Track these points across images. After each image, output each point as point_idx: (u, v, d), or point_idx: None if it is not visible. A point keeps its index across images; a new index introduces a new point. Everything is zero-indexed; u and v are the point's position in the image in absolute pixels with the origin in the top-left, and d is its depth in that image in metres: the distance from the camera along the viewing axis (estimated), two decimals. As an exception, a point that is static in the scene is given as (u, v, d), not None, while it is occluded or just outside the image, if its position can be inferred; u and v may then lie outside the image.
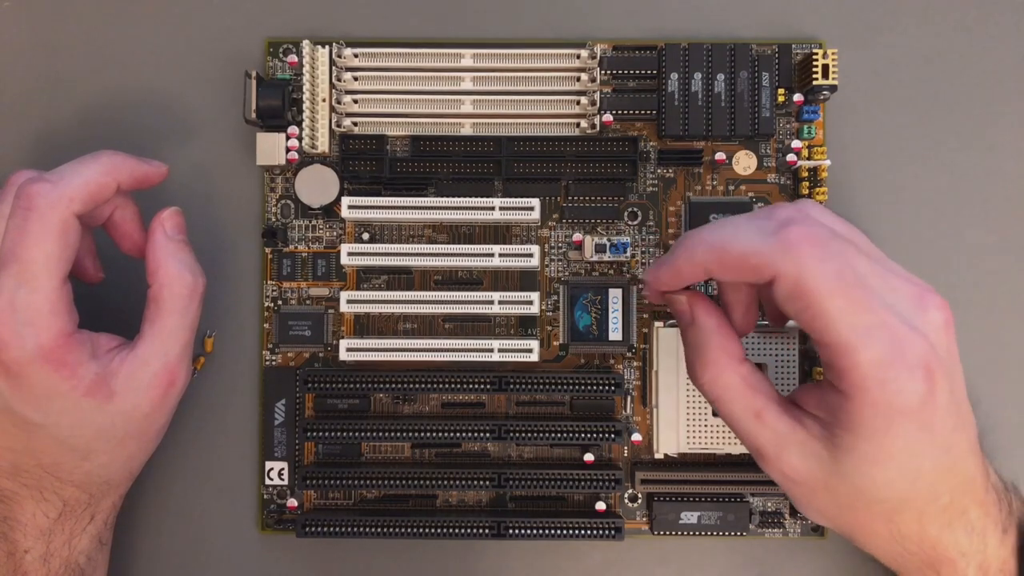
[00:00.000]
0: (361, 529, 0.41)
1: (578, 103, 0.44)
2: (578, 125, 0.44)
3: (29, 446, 0.37)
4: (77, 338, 0.37)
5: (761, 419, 0.35)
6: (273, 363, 0.44)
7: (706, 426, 0.43)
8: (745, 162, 0.44)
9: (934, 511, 0.34)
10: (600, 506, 0.43)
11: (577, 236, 0.44)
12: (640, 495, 0.44)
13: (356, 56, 0.44)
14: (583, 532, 0.42)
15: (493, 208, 0.42)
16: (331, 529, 0.41)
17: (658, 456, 0.44)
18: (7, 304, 0.35)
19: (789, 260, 0.32)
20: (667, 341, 0.43)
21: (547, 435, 0.42)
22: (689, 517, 0.43)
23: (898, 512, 0.34)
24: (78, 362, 0.37)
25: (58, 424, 0.37)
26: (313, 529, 0.41)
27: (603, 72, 0.44)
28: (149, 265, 0.39)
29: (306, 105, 0.43)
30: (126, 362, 0.38)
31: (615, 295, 0.43)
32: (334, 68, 0.44)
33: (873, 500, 0.34)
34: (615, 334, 0.43)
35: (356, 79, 0.44)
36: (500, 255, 0.42)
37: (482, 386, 0.42)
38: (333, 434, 0.42)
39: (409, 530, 0.41)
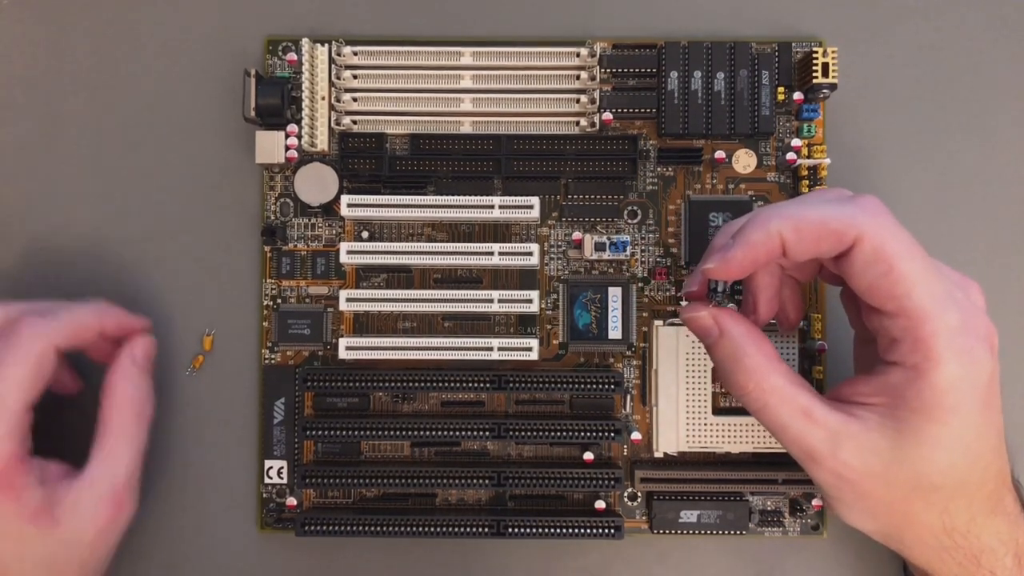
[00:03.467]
0: (360, 528, 0.41)
1: (578, 101, 0.44)
2: (578, 123, 0.44)
3: None
4: (27, 464, 0.37)
5: (811, 417, 0.34)
6: (272, 362, 0.44)
7: (706, 425, 0.43)
8: (745, 160, 0.44)
9: (982, 498, 0.34)
10: (600, 505, 0.43)
11: (577, 235, 0.44)
12: (640, 494, 0.44)
13: (355, 54, 0.44)
14: (583, 531, 0.41)
15: (493, 206, 0.42)
16: (330, 528, 0.41)
17: (658, 455, 0.44)
18: None
19: (872, 222, 0.32)
20: (667, 340, 0.43)
21: (547, 434, 0.42)
22: (689, 516, 0.43)
23: (952, 500, 0.34)
24: (24, 486, 0.37)
25: (0, 553, 0.37)
26: (312, 528, 0.41)
27: (603, 70, 0.44)
28: (105, 385, 0.40)
29: (305, 103, 0.43)
30: (72, 487, 0.38)
31: (615, 293, 0.43)
32: (333, 66, 0.44)
33: (932, 488, 0.33)
34: (615, 333, 0.43)
35: (355, 77, 0.44)
36: (500, 253, 0.42)
37: (481, 385, 0.42)
38: (332, 433, 0.42)
39: (408, 529, 0.41)
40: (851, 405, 0.35)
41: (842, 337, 0.44)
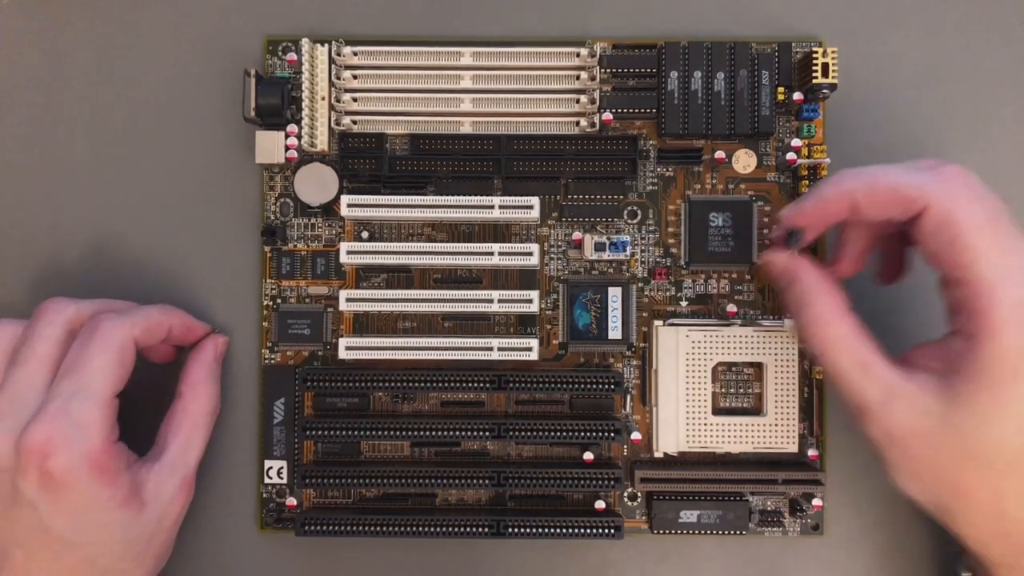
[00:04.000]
0: (360, 528, 0.41)
1: (577, 101, 0.44)
2: (578, 123, 0.44)
3: (53, 573, 0.37)
4: (118, 447, 0.38)
5: (868, 370, 0.35)
6: (272, 362, 0.44)
7: (706, 425, 0.43)
8: (745, 161, 0.44)
9: None
10: (600, 505, 0.43)
11: (576, 235, 0.44)
12: (639, 494, 0.44)
13: (355, 54, 0.44)
14: (582, 531, 0.41)
15: (492, 206, 0.42)
16: (330, 528, 0.41)
17: (658, 455, 0.44)
18: (61, 409, 0.36)
19: (943, 191, 0.33)
20: (667, 340, 0.43)
21: (546, 434, 0.42)
22: (688, 516, 0.43)
23: (1005, 480, 0.34)
24: (118, 471, 0.38)
25: (92, 542, 0.37)
26: (312, 528, 0.41)
27: (603, 70, 0.44)
28: (189, 377, 0.42)
29: (305, 103, 0.43)
30: (153, 471, 0.39)
31: (615, 294, 0.43)
32: (333, 66, 0.44)
33: (982, 461, 0.33)
34: (615, 333, 0.43)
35: (355, 77, 0.44)
36: (499, 254, 0.42)
37: (481, 385, 0.42)
38: (332, 433, 0.42)
39: (408, 529, 0.41)
40: (913, 367, 0.35)
41: (842, 337, 0.44)
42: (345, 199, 0.42)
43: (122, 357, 0.38)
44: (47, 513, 0.36)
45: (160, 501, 0.39)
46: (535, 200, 0.42)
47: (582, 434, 0.42)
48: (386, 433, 0.42)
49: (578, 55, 0.43)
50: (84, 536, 0.37)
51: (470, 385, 0.42)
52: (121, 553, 0.38)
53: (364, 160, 0.44)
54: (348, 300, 0.42)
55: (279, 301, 0.44)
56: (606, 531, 0.42)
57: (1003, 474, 0.34)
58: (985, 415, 0.33)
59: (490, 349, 0.42)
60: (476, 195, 0.42)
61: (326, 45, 0.44)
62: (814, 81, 0.42)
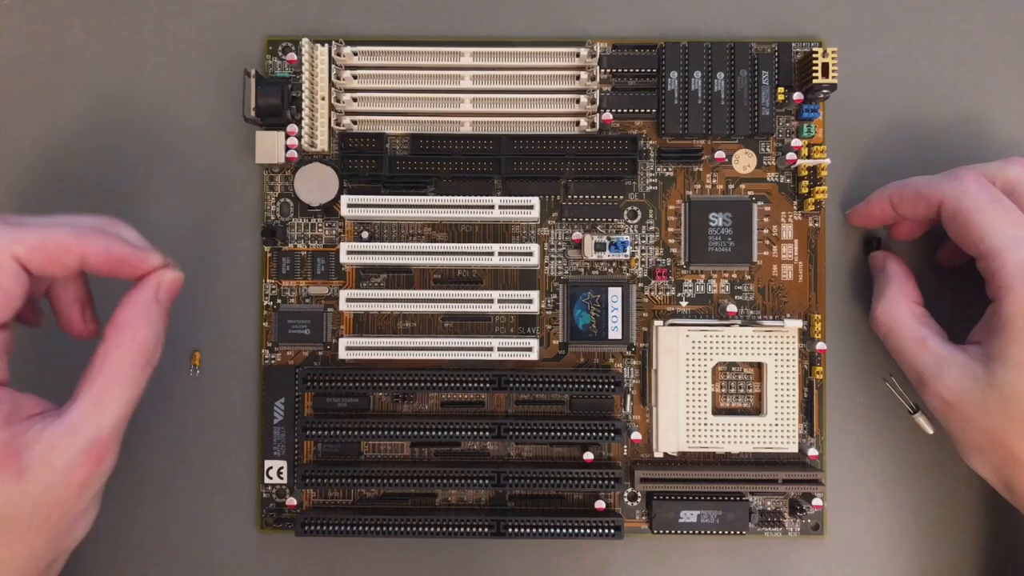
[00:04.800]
0: (360, 528, 0.41)
1: (577, 101, 0.44)
2: (578, 123, 0.44)
3: None
4: None
5: (925, 345, 0.39)
6: (272, 362, 0.44)
7: (706, 425, 0.43)
8: (745, 161, 0.44)
9: None
10: (600, 505, 0.43)
11: (577, 235, 0.44)
12: (639, 494, 0.44)
13: (355, 54, 0.44)
14: (582, 531, 0.41)
15: (493, 207, 0.42)
16: (330, 528, 0.41)
17: (658, 455, 0.44)
18: None
19: (952, 186, 0.38)
20: (667, 340, 0.43)
21: (546, 434, 0.42)
22: (688, 516, 0.43)
23: None
24: None
25: None
26: (312, 528, 0.41)
27: (603, 70, 0.44)
28: (116, 317, 0.34)
29: (305, 103, 0.43)
30: (46, 432, 0.32)
31: (615, 294, 0.43)
32: (333, 66, 0.44)
33: (1022, 415, 0.35)
34: (615, 333, 0.43)
35: (355, 77, 0.44)
36: (499, 254, 0.42)
37: (481, 385, 0.42)
38: (332, 433, 0.42)
39: (408, 529, 0.41)
40: (967, 344, 0.39)
41: (842, 336, 0.44)
42: (345, 199, 0.42)
43: None
44: None
45: (50, 468, 0.32)
46: (535, 200, 0.42)
47: (582, 434, 0.42)
48: (386, 433, 0.42)
49: (578, 55, 0.43)
50: None
51: (470, 385, 0.42)
52: None
53: (364, 160, 0.44)
54: (348, 300, 0.42)
55: (279, 301, 0.44)
56: (606, 531, 0.42)
57: None
58: (1015, 367, 0.35)
59: (490, 349, 0.42)
60: (476, 195, 0.42)
61: (326, 45, 0.44)
62: (814, 81, 0.42)
